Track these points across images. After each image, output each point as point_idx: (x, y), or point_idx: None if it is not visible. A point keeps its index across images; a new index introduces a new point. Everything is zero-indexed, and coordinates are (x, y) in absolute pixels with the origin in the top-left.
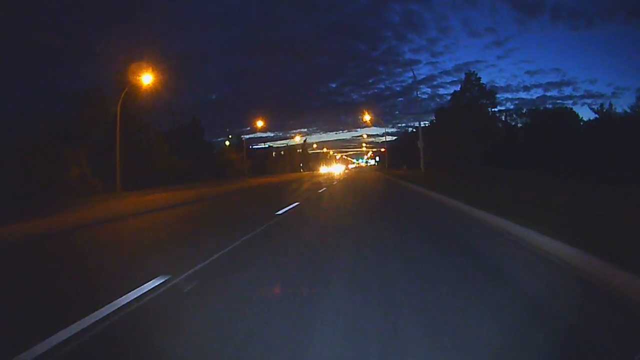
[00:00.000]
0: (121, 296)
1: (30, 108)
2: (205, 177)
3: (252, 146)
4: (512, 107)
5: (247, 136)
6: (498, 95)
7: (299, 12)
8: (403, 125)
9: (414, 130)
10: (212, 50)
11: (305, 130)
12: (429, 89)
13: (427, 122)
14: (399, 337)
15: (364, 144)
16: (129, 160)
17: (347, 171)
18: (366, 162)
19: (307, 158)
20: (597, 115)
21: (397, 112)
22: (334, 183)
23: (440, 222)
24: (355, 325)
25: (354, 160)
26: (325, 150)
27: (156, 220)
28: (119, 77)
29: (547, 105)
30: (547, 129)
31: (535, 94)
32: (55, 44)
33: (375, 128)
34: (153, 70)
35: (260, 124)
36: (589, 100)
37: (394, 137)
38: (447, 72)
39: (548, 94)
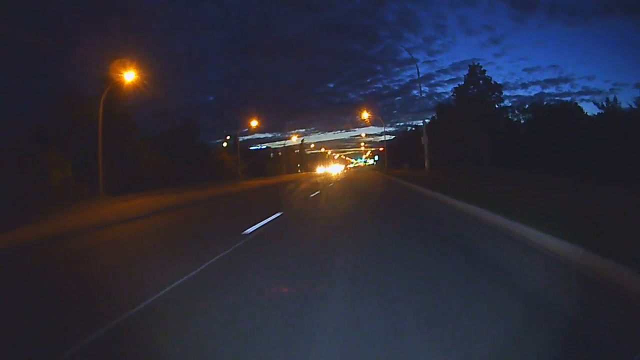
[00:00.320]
0: None
1: (12, 110)
2: (198, 180)
3: (250, 147)
4: (510, 104)
5: (246, 137)
6: (496, 93)
7: (296, 12)
8: (401, 124)
9: (413, 128)
10: (208, 52)
11: (304, 130)
12: (427, 88)
13: (427, 119)
14: None
15: (362, 144)
16: (115, 163)
17: (346, 171)
18: (365, 161)
19: (305, 158)
20: (601, 111)
21: (395, 112)
22: (330, 185)
23: (476, 249)
24: None
25: (353, 160)
26: (323, 150)
27: (103, 240)
28: (104, 76)
29: (545, 103)
30: (551, 125)
31: (533, 91)
32: (46, 45)
33: (373, 127)
34: (141, 69)
35: (254, 123)
36: (587, 97)
37: (392, 137)
38: (444, 71)
39: (546, 91)
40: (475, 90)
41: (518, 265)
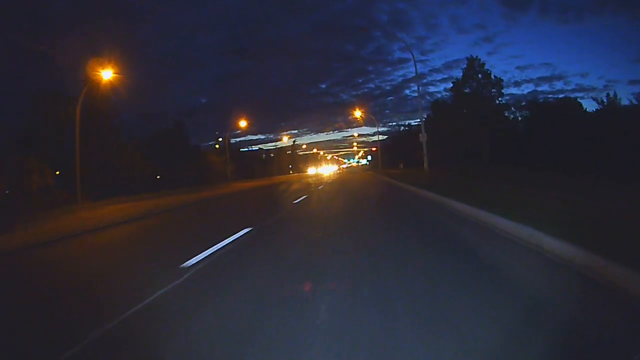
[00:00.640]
0: None
1: None
2: (186, 183)
3: (242, 149)
4: (504, 102)
5: (239, 139)
6: (496, 88)
7: (287, 13)
8: (394, 124)
9: (407, 128)
10: (201, 54)
11: (296, 131)
12: (420, 87)
13: (423, 117)
14: None
15: (354, 143)
16: (97, 166)
17: (339, 171)
18: (357, 161)
19: (297, 159)
20: (599, 107)
21: (387, 112)
22: (320, 187)
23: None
24: None
25: (346, 160)
26: (315, 151)
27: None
28: (84, 76)
29: (542, 100)
30: (551, 121)
31: (526, 89)
32: (35, 49)
33: (365, 127)
34: (131, 71)
35: (243, 123)
36: (580, 94)
37: (385, 137)
38: (436, 70)
39: (539, 88)
40: (474, 84)
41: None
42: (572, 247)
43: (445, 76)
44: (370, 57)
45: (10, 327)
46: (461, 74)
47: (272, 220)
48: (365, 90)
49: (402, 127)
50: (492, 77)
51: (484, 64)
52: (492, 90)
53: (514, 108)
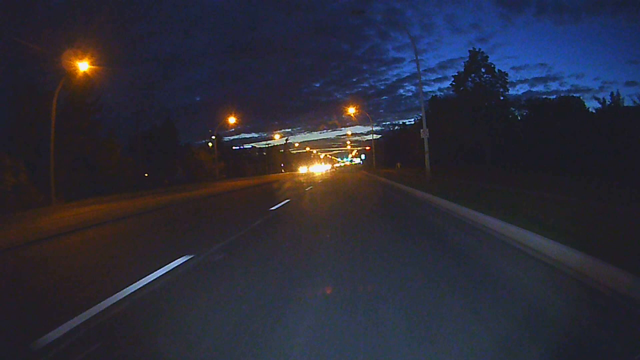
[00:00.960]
0: None
1: None
2: (173, 181)
3: (234, 147)
4: (509, 98)
5: (232, 137)
6: (500, 82)
7: (282, 12)
8: (387, 123)
9: (401, 127)
10: (195, 52)
11: (290, 130)
12: (413, 87)
13: (418, 117)
14: None
15: (348, 142)
16: (75, 164)
17: (333, 170)
18: (351, 160)
19: (290, 158)
20: (599, 107)
21: (381, 111)
22: (308, 188)
23: None
24: None
25: (339, 159)
26: (308, 149)
27: None
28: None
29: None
30: (555, 120)
31: (521, 89)
32: (22, 44)
33: (359, 127)
34: (125, 68)
35: (232, 120)
36: (576, 95)
37: (379, 136)
38: (431, 70)
39: (534, 89)
40: (477, 79)
41: None
42: None
43: (439, 76)
44: (364, 57)
45: None
46: (455, 73)
47: (243, 233)
48: (360, 89)
49: (396, 127)
50: (496, 70)
51: (487, 56)
52: (497, 85)
53: (513, 107)
